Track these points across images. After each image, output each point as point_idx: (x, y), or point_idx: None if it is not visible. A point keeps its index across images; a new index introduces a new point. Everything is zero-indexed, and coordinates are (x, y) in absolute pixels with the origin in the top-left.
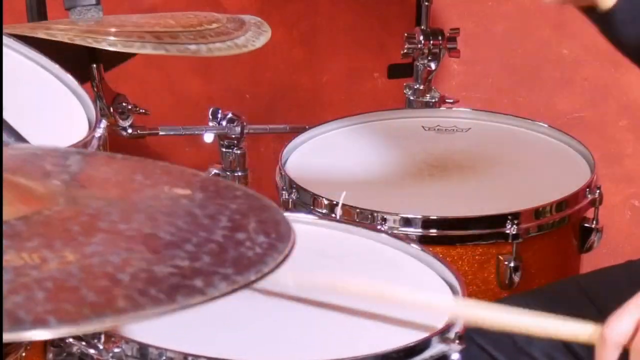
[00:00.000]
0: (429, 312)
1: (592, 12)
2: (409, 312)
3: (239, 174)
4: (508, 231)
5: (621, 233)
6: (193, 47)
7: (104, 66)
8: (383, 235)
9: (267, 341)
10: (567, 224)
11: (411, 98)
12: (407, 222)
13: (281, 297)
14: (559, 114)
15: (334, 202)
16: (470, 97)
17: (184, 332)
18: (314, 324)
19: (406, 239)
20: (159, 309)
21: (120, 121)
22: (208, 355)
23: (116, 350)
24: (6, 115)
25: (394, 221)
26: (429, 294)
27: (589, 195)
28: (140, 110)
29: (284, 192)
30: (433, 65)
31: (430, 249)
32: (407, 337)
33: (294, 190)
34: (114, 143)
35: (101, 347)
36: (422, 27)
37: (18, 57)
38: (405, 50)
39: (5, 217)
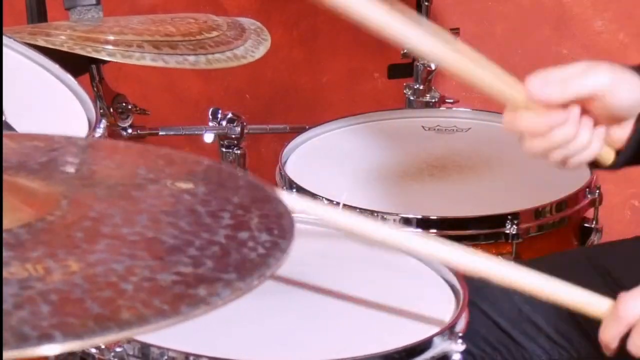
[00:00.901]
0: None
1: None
2: (410, 311)
3: None
4: (508, 231)
5: (621, 233)
6: (192, 58)
7: (103, 60)
8: None
9: (268, 341)
10: (567, 224)
11: (411, 98)
12: (407, 222)
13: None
14: None
15: (334, 202)
16: (470, 97)
17: (186, 332)
18: (315, 324)
19: None
20: (163, 321)
21: (120, 121)
22: (209, 355)
23: (118, 349)
24: (6, 116)
25: (394, 221)
26: (438, 245)
27: (589, 195)
28: (140, 110)
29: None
30: (433, 65)
31: None
32: (408, 337)
33: (294, 191)
34: None
35: (103, 346)
36: None
37: (18, 57)
38: (405, 51)
39: (9, 225)
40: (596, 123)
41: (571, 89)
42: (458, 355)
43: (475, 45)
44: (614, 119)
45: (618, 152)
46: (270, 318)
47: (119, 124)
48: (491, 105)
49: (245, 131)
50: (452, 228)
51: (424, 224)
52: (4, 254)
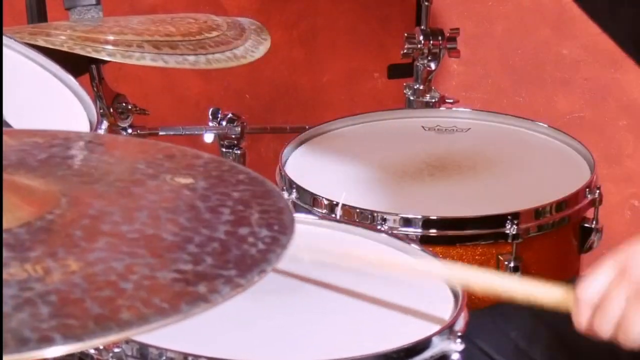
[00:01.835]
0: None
1: None
2: (410, 311)
3: None
4: (508, 231)
5: (621, 233)
6: (192, 58)
7: (103, 60)
8: (383, 235)
9: (268, 341)
10: (567, 224)
11: (411, 98)
12: (407, 222)
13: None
14: (559, 114)
15: (334, 202)
16: (470, 97)
17: (184, 332)
18: (315, 324)
19: (406, 239)
20: (163, 320)
21: (120, 121)
22: (208, 355)
23: (116, 350)
24: (6, 115)
25: (394, 221)
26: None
27: (589, 196)
28: (140, 111)
29: (284, 192)
30: (433, 65)
31: (430, 249)
32: (407, 337)
33: (294, 190)
34: None
35: (101, 346)
36: (422, 27)
37: (18, 57)
38: (405, 50)
39: (8, 224)
40: None
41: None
42: (457, 355)
43: (476, 45)
44: None
45: None
46: (269, 318)
47: (119, 124)
48: (491, 106)
49: (245, 131)
50: (452, 228)
51: (424, 224)
52: (4, 254)
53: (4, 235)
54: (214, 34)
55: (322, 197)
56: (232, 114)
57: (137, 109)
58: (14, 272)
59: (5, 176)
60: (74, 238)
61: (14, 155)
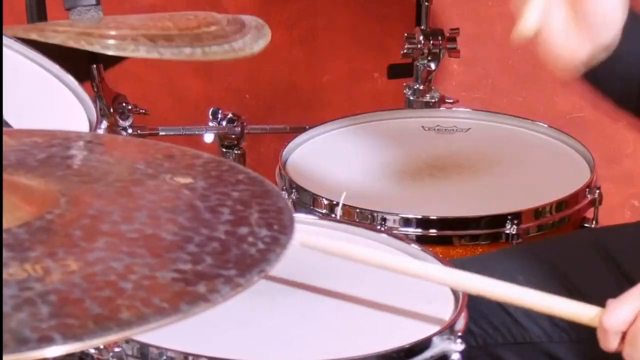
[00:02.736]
0: (438, 306)
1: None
2: (410, 311)
3: None
4: (508, 231)
5: None
6: (188, 50)
7: (104, 65)
8: (383, 235)
9: (267, 340)
10: (567, 224)
11: (411, 98)
12: (407, 222)
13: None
14: (559, 114)
15: (334, 202)
16: (470, 97)
17: (185, 332)
18: (315, 324)
19: (406, 239)
20: (163, 320)
21: (120, 121)
22: (208, 354)
23: (117, 349)
24: (6, 116)
25: (394, 221)
26: (432, 267)
27: (589, 195)
28: (140, 111)
29: (284, 192)
30: (433, 66)
31: (430, 248)
32: (407, 337)
33: (294, 191)
34: None
35: (102, 346)
36: (422, 27)
37: (18, 57)
38: (405, 51)
39: (8, 224)
40: None
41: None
42: (457, 355)
43: (475, 45)
44: None
45: None
46: (269, 318)
47: (119, 124)
48: (491, 106)
49: (245, 131)
50: (452, 228)
51: (424, 224)
52: (3, 254)
53: (4, 235)
54: (213, 28)
55: (322, 197)
56: (232, 114)
57: (137, 109)
58: (13, 272)
59: (4, 176)
60: (74, 238)
61: (13, 155)
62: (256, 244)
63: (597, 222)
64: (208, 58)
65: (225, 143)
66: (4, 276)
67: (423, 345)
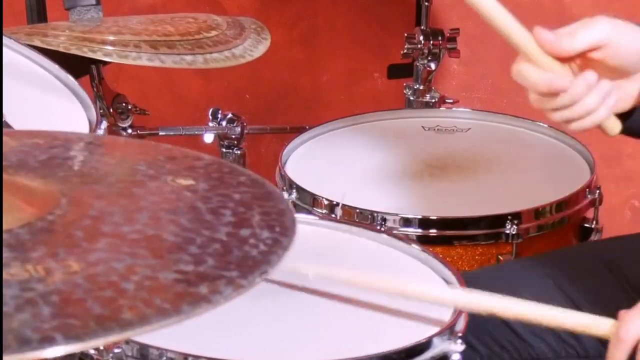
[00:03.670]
0: (438, 307)
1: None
2: (410, 312)
3: None
4: (508, 231)
5: (621, 233)
6: (189, 58)
7: (103, 61)
8: (383, 235)
9: (267, 342)
10: (567, 224)
11: (411, 98)
12: (407, 222)
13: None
14: None
15: (334, 202)
16: (470, 97)
17: (185, 333)
18: (315, 325)
19: (406, 239)
20: (164, 320)
21: (120, 121)
22: (208, 355)
23: (116, 350)
24: (6, 115)
25: (394, 221)
26: (443, 290)
27: (589, 196)
28: (140, 111)
29: (284, 193)
30: (433, 66)
31: (430, 249)
32: (407, 338)
33: (293, 191)
34: None
35: (102, 347)
36: (422, 27)
37: (18, 57)
38: (405, 51)
39: (9, 225)
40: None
41: (579, 39)
42: (457, 355)
43: (475, 45)
44: (620, 73)
45: (625, 115)
46: (269, 318)
47: (119, 124)
48: (491, 106)
49: (245, 131)
50: (452, 228)
51: (424, 224)
52: (4, 255)
53: (5, 236)
54: (213, 33)
55: (322, 197)
56: (232, 114)
57: (137, 109)
58: (15, 272)
59: (5, 177)
60: (75, 238)
61: (14, 156)
62: (258, 245)
63: (597, 222)
64: (209, 66)
65: (225, 143)
66: (6, 276)
67: (423, 346)
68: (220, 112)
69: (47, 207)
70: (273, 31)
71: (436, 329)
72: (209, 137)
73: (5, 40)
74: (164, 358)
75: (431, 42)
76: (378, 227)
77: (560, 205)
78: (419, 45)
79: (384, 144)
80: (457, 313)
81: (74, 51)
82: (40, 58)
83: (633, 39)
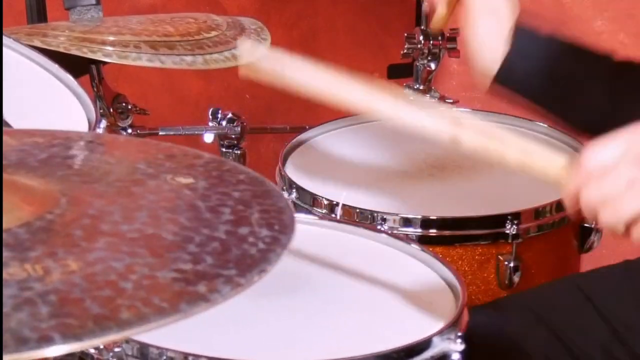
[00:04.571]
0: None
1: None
2: (410, 311)
3: None
4: (508, 231)
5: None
6: (189, 58)
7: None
8: (383, 235)
9: (267, 341)
10: (567, 224)
11: (411, 98)
12: (407, 222)
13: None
14: None
15: (334, 202)
16: (470, 97)
17: (185, 332)
18: (315, 324)
19: (406, 239)
20: (163, 319)
21: (120, 121)
22: (208, 355)
23: (117, 349)
24: (6, 115)
25: (394, 221)
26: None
27: None
28: (140, 111)
29: (284, 192)
30: (433, 65)
31: (430, 249)
32: (407, 337)
33: (294, 190)
34: None
35: (102, 346)
36: (422, 27)
37: (18, 57)
38: (405, 51)
39: (8, 224)
40: None
41: None
42: (457, 354)
43: None
44: None
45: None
46: (269, 318)
47: (119, 124)
48: (491, 106)
49: (245, 131)
50: (452, 228)
51: (424, 224)
52: (3, 254)
53: (4, 235)
54: (213, 33)
55: (322, 197)
56: (232, 114)
57: (137, 109)
58: (13, 271)
59: (5, 176)
60: (74, 238)
61: (14, 155)
62: (257, 244)
63: (597, 222)
64: (209, 67)
65: (225, 143)
66: (4, 276)
67: (423, 345)
68: (220, 112)
69: (46, 206)
70: (273, 31)
71: (436, 328)
72: (209, 137)
73: (5, 40)
74: (164, 357)
75: (431, 42)
76: (378, 227)
77: (560, 205)
78: (419, 45)
79: (384, 144)
80: (458, 312)
81: (74, 52)
82: (40, 58)
83: None
